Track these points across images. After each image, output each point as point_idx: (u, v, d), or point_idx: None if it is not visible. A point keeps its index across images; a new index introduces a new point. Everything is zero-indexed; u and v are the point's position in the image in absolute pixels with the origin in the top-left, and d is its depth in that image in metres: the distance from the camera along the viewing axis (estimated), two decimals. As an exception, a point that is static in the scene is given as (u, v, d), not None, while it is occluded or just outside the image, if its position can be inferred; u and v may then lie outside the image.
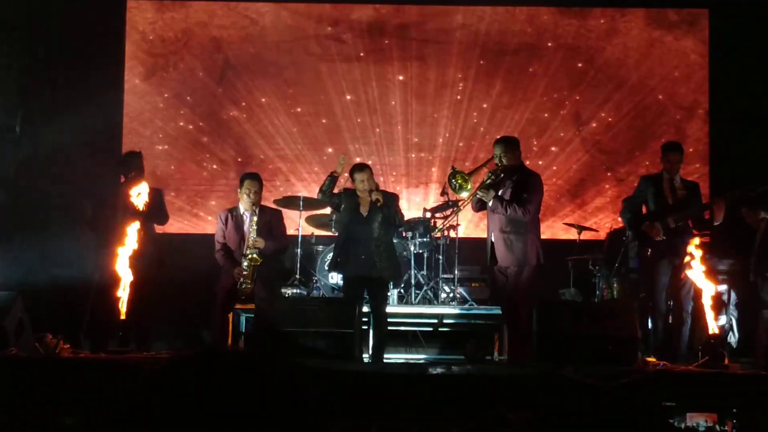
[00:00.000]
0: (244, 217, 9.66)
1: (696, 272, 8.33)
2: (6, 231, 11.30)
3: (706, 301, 8.15)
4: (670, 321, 9.51)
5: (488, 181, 9.14)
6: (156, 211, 9.70)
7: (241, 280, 9.42)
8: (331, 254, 11.30)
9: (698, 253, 8.35)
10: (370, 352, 9.46)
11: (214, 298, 9.58)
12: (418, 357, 11.08)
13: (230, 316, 9.56)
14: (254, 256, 9.43)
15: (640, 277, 10.59)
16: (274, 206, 10.55)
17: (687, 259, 8.40)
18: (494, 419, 7.14)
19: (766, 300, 10.08)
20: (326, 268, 11.06)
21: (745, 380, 7.57)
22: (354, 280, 9.48)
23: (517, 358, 9.05)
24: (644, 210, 9.69)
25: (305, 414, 7.18)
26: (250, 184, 9.64)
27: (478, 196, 9.16)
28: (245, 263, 9.44)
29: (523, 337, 8.83)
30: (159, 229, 9.96)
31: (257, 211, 9.62)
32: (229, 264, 9.55)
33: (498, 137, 9.72)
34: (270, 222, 9.71)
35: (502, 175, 9.19)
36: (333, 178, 9.46)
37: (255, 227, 9.50)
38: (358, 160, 11.90)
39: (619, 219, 10.75)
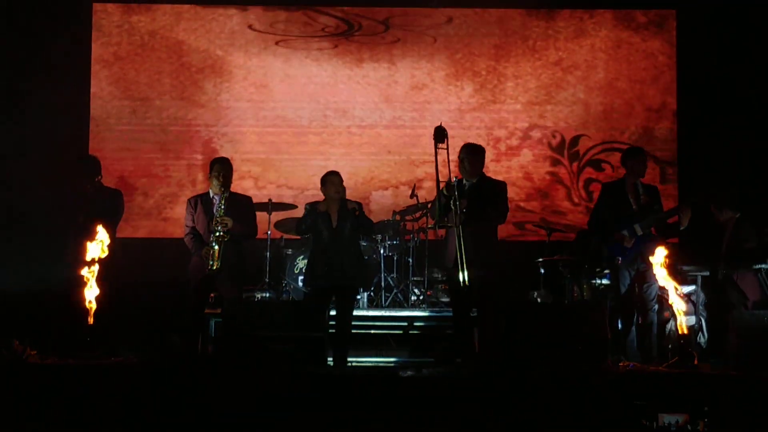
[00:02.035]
0: (214, 200, 9.52)
1: (660, 275, 8.34)
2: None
3: (675, 302, 8.17)
4: (639, 322, 9.53)
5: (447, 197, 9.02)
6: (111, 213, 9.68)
7: (210, 262, 9.27)
8: (300, 257, 11.33)
9: (662, 256, 8.35)
10: (332, 357, 9.36)
11: (184, 300, 9.51)
12: (388, 360, 11.03)
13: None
14: (222, 233, 9.27)
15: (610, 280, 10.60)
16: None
17: (654, 263, 8.40)
18: (465, 421, 7.15)
19: (734, 301, 10.15)
20: (302, 282, 11.00)
21: (716, 380, 7.60)
22: (324, 289, 9.45)
23: (487, 360, 8.98)
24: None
25: (275, 416, 7.18)
26: (220, 167, 9.50)
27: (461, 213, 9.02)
28: (213, 242, 9.29)
29: (492, 339, 8.79)
30: (130, 233, 9.90)
31: (227, 195, 9.46)
32: (197, 246, 9.41)
33: (467, 144, 9.60)
34: (240, 208, 9.57)
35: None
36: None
37: (223, 207, 9.34)
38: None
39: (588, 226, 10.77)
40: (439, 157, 9.02)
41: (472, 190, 9.17)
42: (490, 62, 13.19)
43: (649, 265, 8.64)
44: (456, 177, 9.09)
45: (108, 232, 8.77)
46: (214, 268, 9.21)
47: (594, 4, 13.25)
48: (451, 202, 8.89)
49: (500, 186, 9.40)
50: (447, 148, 9.05)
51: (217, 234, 9.23)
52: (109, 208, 9.55)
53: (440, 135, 9.07)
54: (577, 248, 11.55)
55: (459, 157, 9.28)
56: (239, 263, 9.45)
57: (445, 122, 12.77)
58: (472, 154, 9.31)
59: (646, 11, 13.23)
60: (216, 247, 9.23)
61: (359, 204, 9.70)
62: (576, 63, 13.18)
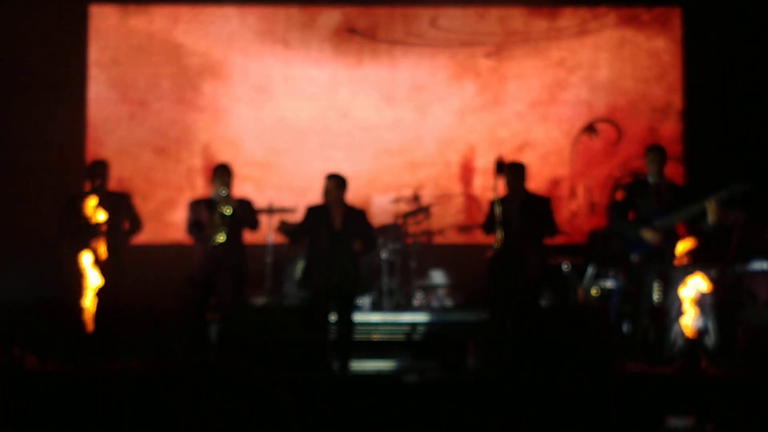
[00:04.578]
0: (216, 198, 9.48)
1: (682, 276, 8.31)
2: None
3: (689, 304, 8.14)
4: (646, 324, 9.45)
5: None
6: (126, 219, 9.73)
7: (215, 233, 9.19)
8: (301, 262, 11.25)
9: (686, 257, 8.34)
10: (335, 363, 9.30)
11: (185, 306, 9.48)
12: (391, 365, 10.97)
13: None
14: (227, 207, 9.23)
15: (621, 281, 10.53)
16: None
17: (677, 262, 8.38)
18: (469, 427, 7.08)
19: (744, 302, 10.05)
20: (297, 284, 10.94)
21: (724, 382, 7.55)
22: (323, 294, 9.34)
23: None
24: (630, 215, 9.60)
25: (279, 425, 7.09)
26: (222, 171, 9.54)
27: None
28: (218, 215, 9.23)
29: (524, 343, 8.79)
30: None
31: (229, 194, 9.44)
32: (200, 235, 9.37)
33: (511, 162, 9.72)
34: (244, 208, 9.52)
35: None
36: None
37: (227, 192, 9.31)
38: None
39: (608, 225, 10.69)
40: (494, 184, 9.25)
41: (521, 208, 9.27)
42: (491, 62, 13.11)
43: (670, 265, 8.62)
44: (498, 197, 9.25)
45: (109, 238, 8.78)
46: (219, 240, 9.14)
47: (597, 2, 13.17)
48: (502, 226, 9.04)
49: (548, 202, 9.61)
50: (504, 177, 9.36)
51: (222, 209, 9.19)
52: (116, 213, 9.57)
53: (501, 167, 9.23)
54: (591, 249, 11.50)
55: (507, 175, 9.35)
56: (240, 267, 9.41)
57: (447, 124, 12.89)
58: (518, 171, 9.48)
59: (650, 9, 13.13)
60: (223, 214, 9.17)
61: (362, 213, 9.62)
62: (579, 62, 13.09)
